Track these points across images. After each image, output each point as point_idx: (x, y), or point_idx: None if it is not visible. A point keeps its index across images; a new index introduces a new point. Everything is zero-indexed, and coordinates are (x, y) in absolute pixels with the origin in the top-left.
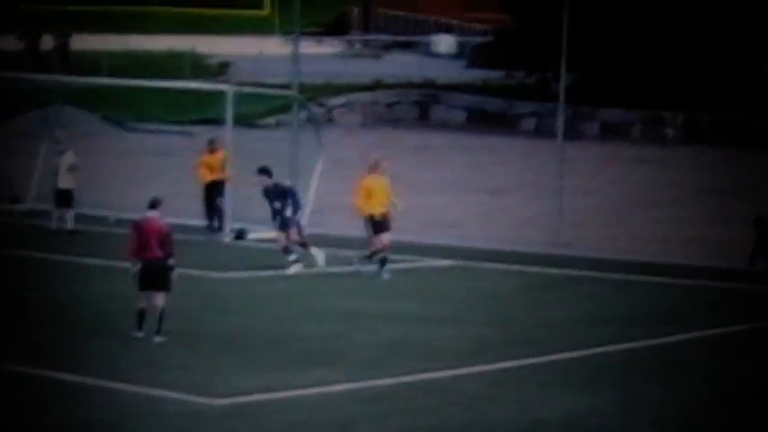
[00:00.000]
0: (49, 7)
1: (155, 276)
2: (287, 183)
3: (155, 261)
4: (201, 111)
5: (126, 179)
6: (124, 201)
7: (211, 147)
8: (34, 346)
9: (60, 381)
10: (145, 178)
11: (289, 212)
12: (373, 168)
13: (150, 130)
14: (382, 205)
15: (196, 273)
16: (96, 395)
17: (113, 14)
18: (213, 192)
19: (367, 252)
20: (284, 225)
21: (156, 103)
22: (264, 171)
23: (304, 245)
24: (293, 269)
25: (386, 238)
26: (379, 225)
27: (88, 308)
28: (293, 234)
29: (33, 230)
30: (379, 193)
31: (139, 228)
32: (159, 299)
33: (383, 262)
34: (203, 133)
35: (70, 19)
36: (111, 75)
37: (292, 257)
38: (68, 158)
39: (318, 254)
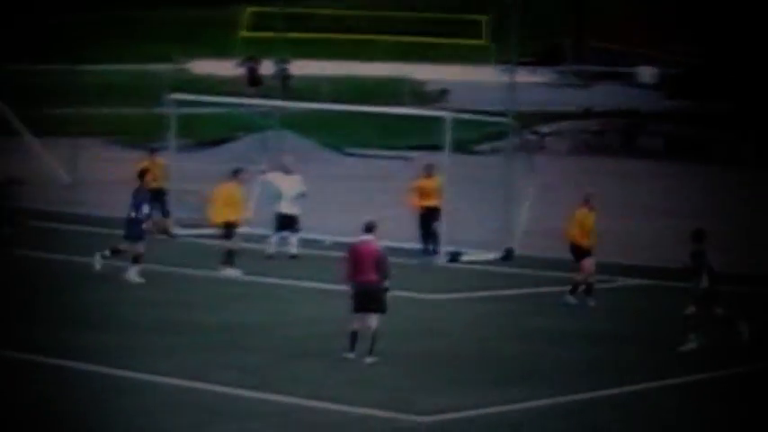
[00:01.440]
0: (269, 34)
1: (369, 298)
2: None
3: (370, 284)
4: (419, 137)
5: (342, 203)
6: (340, 224)
7: (427, 172)
8: (244, 368)
9: (269, 401)
10: (361, 202)
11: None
12: (585, 203)
13: (367, 155)
14: (587, 238)
15: (409, 295)
16: (305, 415)
17: (335, 41)
18: (429, 216)
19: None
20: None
21: (373, 129)
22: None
23: None
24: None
25: (588, 263)
26: (580, 253)
27: (299, 329)
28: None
29: (250, 255)
30: (586, 227)
31: (355, 251)
32: (373, 320)
33: (588, 289)
34: (420, 159)
35: (291, 45)
36: (330, 101)
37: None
38: (295, 184)
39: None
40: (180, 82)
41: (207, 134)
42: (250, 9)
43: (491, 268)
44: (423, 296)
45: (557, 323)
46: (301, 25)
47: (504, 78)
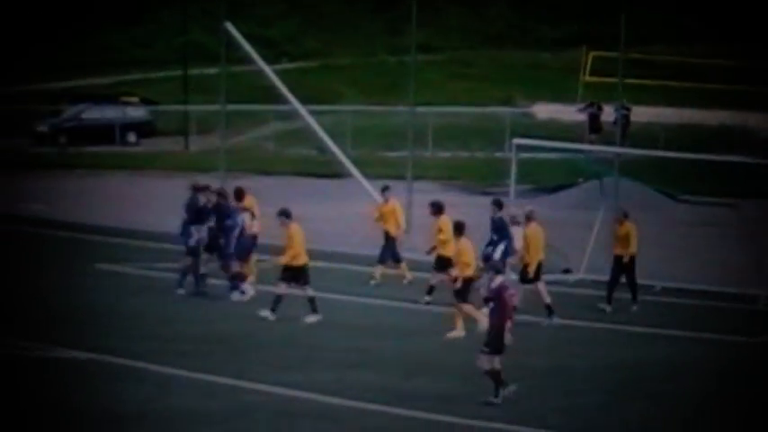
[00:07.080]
0: (611, 80)
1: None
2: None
3: None
4: (747, 184)
5: (674, 249)
6: (672, 270)
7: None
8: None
9: None
10: (693, 248)
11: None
12: None
13: (699, 201)
14: None
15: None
16: None
17: (674, 89)
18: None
19: None
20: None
21: (706, 176)
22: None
23: None
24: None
25: None
26: None
27: (627, 374)
28: None
29: (581, 300)
30: None
31: None
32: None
33: None
34: (746, 206)
35: (632, 91)
36: (666, 147)
37: None
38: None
39: None
40: (522, 126)
41: (546, 179)
42: (593, 53)
43: None
44: None
45: None
46: (642, 72)
47: None
